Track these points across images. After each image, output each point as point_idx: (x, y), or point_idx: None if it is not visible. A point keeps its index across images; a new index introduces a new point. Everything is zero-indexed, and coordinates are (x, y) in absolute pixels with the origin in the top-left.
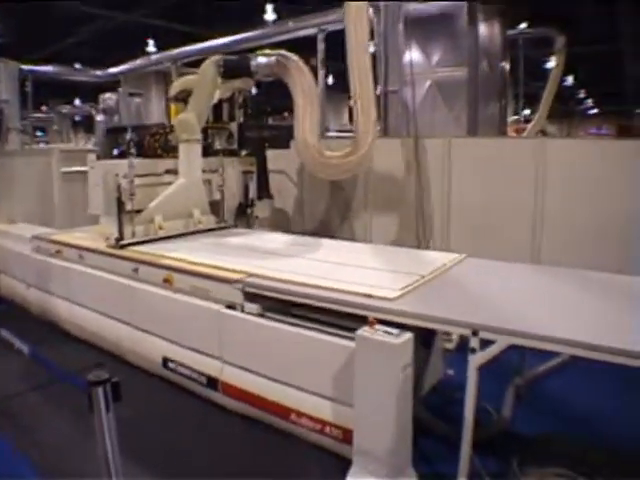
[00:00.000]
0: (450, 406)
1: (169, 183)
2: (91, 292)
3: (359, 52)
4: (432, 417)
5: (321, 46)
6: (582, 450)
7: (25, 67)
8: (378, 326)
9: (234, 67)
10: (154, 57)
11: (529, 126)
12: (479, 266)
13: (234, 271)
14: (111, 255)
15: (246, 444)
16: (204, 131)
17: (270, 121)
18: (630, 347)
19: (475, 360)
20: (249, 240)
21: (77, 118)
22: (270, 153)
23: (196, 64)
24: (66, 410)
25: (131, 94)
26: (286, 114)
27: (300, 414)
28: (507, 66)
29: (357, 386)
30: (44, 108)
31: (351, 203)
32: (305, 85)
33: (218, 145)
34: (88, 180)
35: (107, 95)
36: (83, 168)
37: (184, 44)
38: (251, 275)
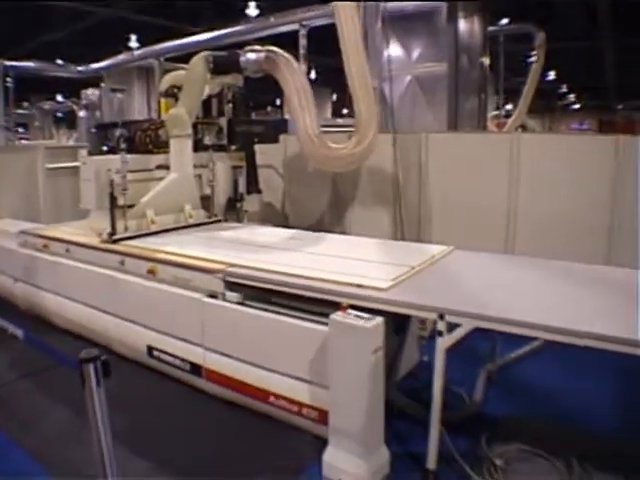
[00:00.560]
0: (425, 390)
1: (160, 178)
2: (78, 285)
3: (353, 44)
4: (406, 400)
5: (303, 41)
6: (544, 429)
7: (7, 63)
8: (350, 311)
9: (223, 63)
10: (137, 52)
11: (509, 121)
12: (465, 257)
13: (216, 261)
14: (98, 249)
15: (227, 427)
16: (194, 126)
17: (253, 116)
18: (585, 329)
19: (442, 343)
20: (239, 234)
21: (59, 114)
22: (259, 148)
23: (179, 59)
24: (58, 396)
25: (113, 90)
26: (269, 109)
27: (278, 397)
28: (487, 62)
29: (331, 368)
30: (25, 104)
31: (340, 197)
32: (297, 80)
33: (208, 140)
34: (80, 175)
35: (89, 91)
36: (68, 164)
37: (167, 39)
38: (232, 265)
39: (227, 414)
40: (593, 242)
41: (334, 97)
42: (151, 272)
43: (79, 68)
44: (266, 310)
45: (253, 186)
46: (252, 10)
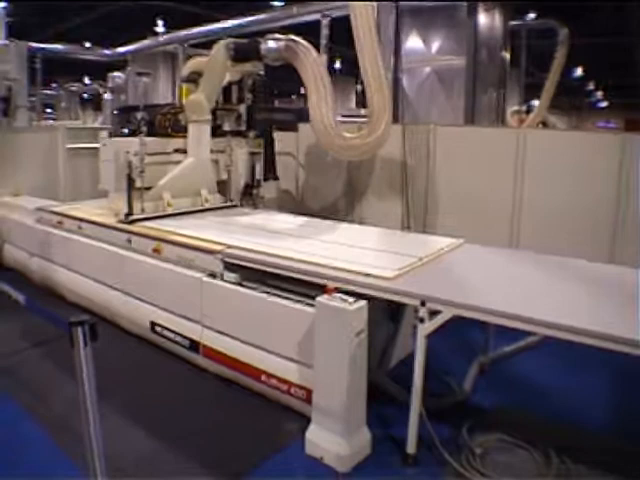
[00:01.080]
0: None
1: (178, 162)
2: (88, 261)
3: (366, 35)
4: (395, 385)
5: (325, 31)
6: (528, 421)
7: (35, 45)
8: (336, 294)
9: (244, 51)
10: (162, 38)
11: (530, 117)
12: (474, 251)
13: (215, 242)
14: (107, 226)
15: (219, 402)
16: (213, 112)
17: (277, 104)
18: (575, 324)
19: (423, 329)
20: (253, 219)
21: (85, 96)
22: (278, 135)
23: (203, 45)
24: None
25: (139, 73)
26: (293, 97)
27: (270, 375)
28: (507, 56)
29: (316, 348)
30: (53, 85)
31: (355, 185)
32: (315, 70)
33: (227, 126)
34: (100, 156)
35: (116, 74)
36: (87, 145)
37: (192, 25)
38: (230, 247)
39: (221, 391)
40: (597, 238)
41: (358, 87)
42: (156, 251)
43: (106, 51)
44: (260, 291)
45: (271, 173)
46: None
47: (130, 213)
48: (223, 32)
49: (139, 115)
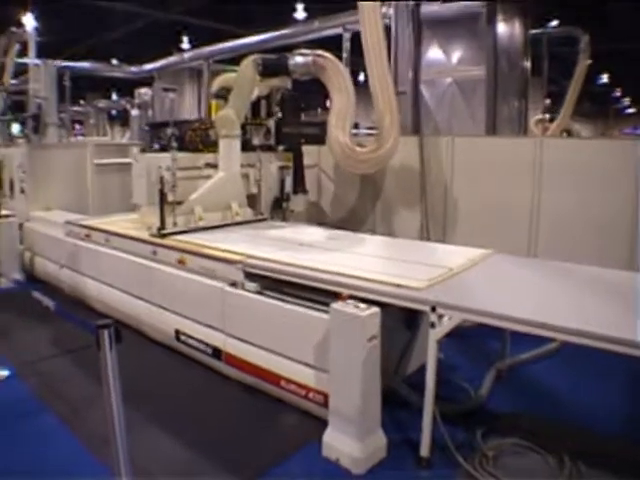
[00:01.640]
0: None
1: (208, 176)
2: (115, 272)
3: (375, 49)
4: (411, 391)
5: (346, 45)
6: (543, 426)
7: (63, 63)
8: (349, 300)
9: (272, 66)
10: (187, 55)
11: (553, 125)
12: (503, 261)
13: (236, 253)
14: (133, 239)
15: (240, 407)
16: (243, 127)
17: (303, 117)
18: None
19: (434, 334)
20: (284, 232)
21: (113, 112)
22: (306, 149)
23: (228, 62)
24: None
25: (165, 89)
26: (319, 110)
27: (288, 381)
28: (528, 65)
29: (332, 354)
30: (82, 102)
31: (382, 197)
32: (342, 84)
33: (256, 141)
34: (132, 172)
35: (143, 90)
36: (115, 161)
37: (217, 41)
38: (250, 257)
39: (242, 396)
40: (614, 245)
41: None
42: (181, 262)
43: (132, 68)
44: (279, 299)
45: (300, 186)
46: (300, 13)
47: (163, 227)
48: (247, 48)
49: (169, 131)
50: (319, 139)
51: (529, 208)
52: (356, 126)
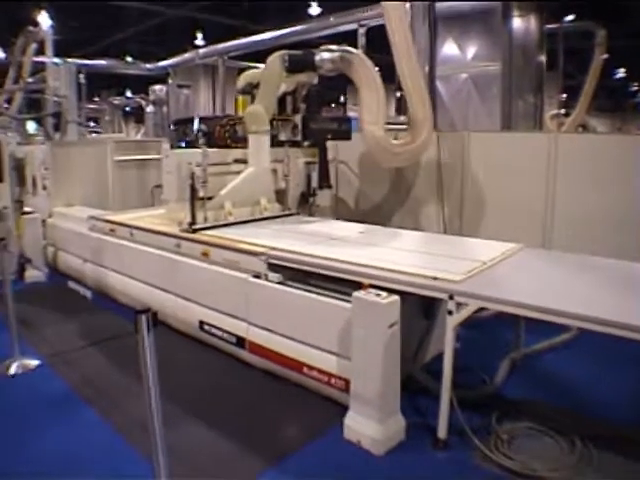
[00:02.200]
0: (453, 372)
1: (237, 172)
2: (139, 265)
3: (402, 41)
4: (430, 378)
5: (362, 40)
6: (556, 412)
7: (79, 61)
8: (371, 289)
9: (299, 61)
10: (202, 51)
11: (568, 120)
12: (533, 255)
13: (260, 245)
14: (157, 232)
15: (264, 393)
16: (270, 123)
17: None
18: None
19: (452, 320)
20: (315, 227)
21: (128, 109)
22: (331, 144)
23: (242, 58)
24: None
25: (180, 86)
26: (333, 106)
27: (311, 368)
28: (544, 60)
29: (353, 340)
30: (97, 99)
31: (410, 192)
32: (370, 79)
33: (283, 136)
34: (162, 168)
35: (157, 87)
36: (134, 157)
37: (232, 38)
38: (274, 249)
39: (265, 382)
40: (630, 239)
41: (397, 94)
42: (204, 254)
43: (147, 66)
44: (302, 289)
45: (325, 181)
46: (314, 9)
47: (194, 222)
48: (261, 44)
49: (195, 127)
50: (344, 134)
51: (543, 202)
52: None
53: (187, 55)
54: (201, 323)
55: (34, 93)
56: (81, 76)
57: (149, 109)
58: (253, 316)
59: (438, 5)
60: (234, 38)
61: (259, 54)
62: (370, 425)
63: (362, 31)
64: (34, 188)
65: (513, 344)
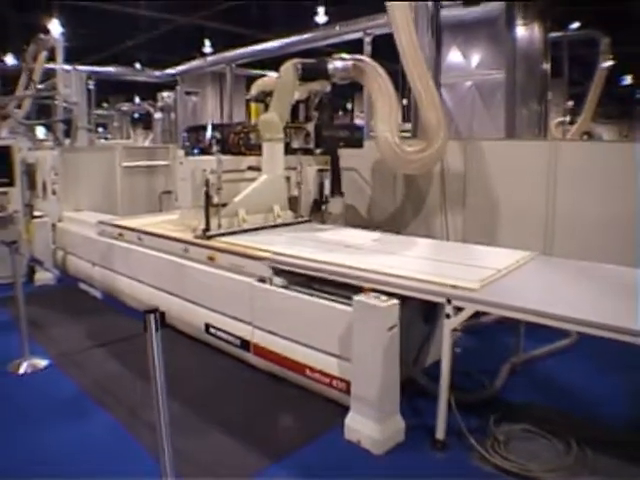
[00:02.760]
0: (454, 376)
1: (251, 179)
2: (147, 269)
3: (411, 49)
4: (429, 381)
5: (367, 49)
6: (553, 415)
7: (89, 68)
8: (372, 293)
9: (312, 70)
10: (210, 59)
11: (573, 128)
12: (546, 262)
13: (264, 250)
14: (165, 237)
15: (268, 394)
16: (284, 130)
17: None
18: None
19: (449, 324)
20: (329, 235)
21: (136, 115)
22: (343, 152)
23: (250, 65)
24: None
25: (188, 93)
26: (340, 113)
27: (313, 370)
28: (548, 68)
29: (354, 342)
30: (105, 105)
31: (424, 200)
32: (383, 87)
33: (296, 144)
34: (176, 175)
35: (165, 94)
36: (141, 163)
37: (239, 46)
38: (278, 254)
39: (269, 384)
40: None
41: (404, 101)
42: (211, 259)
43: (156, 73)
44: (305, 293)
45: (337, 189)
46: (321, 17)
47: (208, 229)
48: (268, 52)
49: (208, 134)
50: (355, 142)
51: (544, 209)
52: None
53: (195, 62)
54: (207, 326)
55: (45, 99)
56: (90, 82)
57: (157, 115)
58: (258, 319)
59: (443, 13)
60: (242, 46)
61: (266, 62)
62: (370, 425)
63: (368, 40)
64: (44, 193)
65: (513, 349)
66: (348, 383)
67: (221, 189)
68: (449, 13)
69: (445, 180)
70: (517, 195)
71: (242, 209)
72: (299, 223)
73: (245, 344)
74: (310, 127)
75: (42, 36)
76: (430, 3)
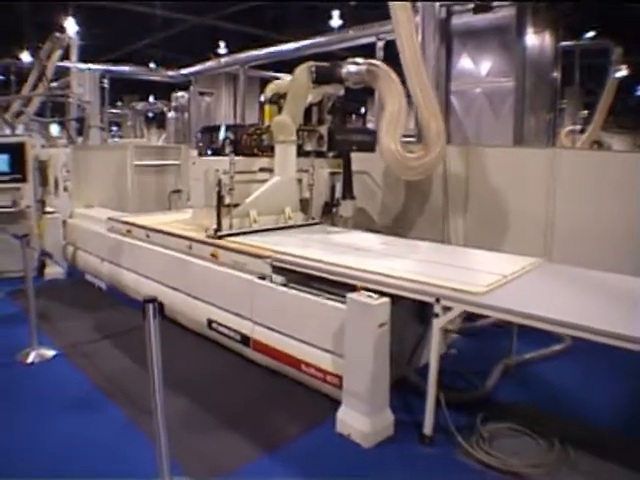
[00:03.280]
0: (445, 376)
1: (263, 180)
2: (153, 265)
3: (412, 55)
4: (421, 380)
5: (380, 54)
6: (540, 415)
7: (103, 67)
8: (364, 292)
9: (325, 73)
10: (224, 60)
11: (583, 137)
12: (549, 268)
13: (265, 249)
14: (171, 234)
15: (265, 388)
16: (296, 133)
17: None
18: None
19: (438, 323)
20: (340, 237)
21: (150, 114)
22: (355, 155)
23: (263, 67)
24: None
25: (202, 93)
26: (353, 117)
27: (309, 365)
28: (558, 77)
29: (347, 339)
30: (119, 104)
31: (430, 205)
32: (394, 91)
33: (309, 147)
34: (189, 175)
35: (179, 94)
36: (152, 162)
37: (253, 47)
38: (278, 252)
39: (267, 379)
40: (623, 253)
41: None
42: (213, 256)
43: (170, 73)
44: (303, 291)
45: (348, 192)
46: (335, 21)
47: (219, 229)
48: (282, 55)
49: (222, 135)
50: (368, 146)
51: (544, 215)
52: None
53: (209, 63)
54: (209, 321)
55: (58, 97)
56: (104, 81)
57: (171, 115)
58: (257, 315)
59: (453, 20)
60: (256, 47)
61: (280, 64)
62: (360, 419)
63: (380, 45)
64: (56, 189)
65: (506, 352)
66: (341, 378)
67: (233, 190)
68: (459, 20)
69: (448, 186)
70: (518, 201)
71: (253, 210)
72: (310, 225)
73: (245, 339)
74: (323, 130)
75: (58, 35)
76: (441, 9)
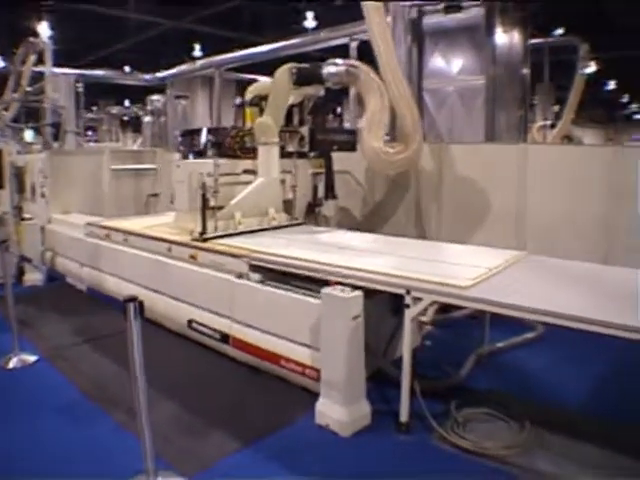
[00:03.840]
0: (420, 367)
1: (246, 182)
2: (133, 268)
3: (386, 51)
4: (396, 370)
5: (353, 54)
6: (512, 401)
7: (78, 71)
8: (338, 286)
9: (306, 75)
10: (199, 63)
11: (553, 132)
12: (535, 262)
13: (243, 248)
14: (149, 237)
15: (246, 385)
16: (278, 134)
17: None
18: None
19: (409, 313)
20: (324, 237)
21: (126, 118)
22: (336, 155)
23: (239, 70)
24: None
25: (178, 97)
26: (330, 117)
27: (288, 360)
28: (528, 73)
29: (322, 332)
30: (94, 108)
31: (412, 203)
32: (376, 92)
33: (291, 148)
34: (173, 178)
35: (155, 97)
36: (129, 166)
37: (229, 50)
38: (254, 252)
39: (248, 375)
40: (591, 242)
41: None
42: (192, 257)
43: (145, 76)
44: (280, 288)
45: (330, 192)
46: (310, 22)
47: (204, 232)
48: (257, 57)
49: (204, 137)
50: (349, 145)
51: (515, 209)
52: None
53: (184, 66)
54: (189, 321)
55: (33, 102)
56: (79, 85)
57: (147, 119)
58: (236, 313)
59: (425, 20)
60: (232, 50)
61: (255, 66)
62: (337, 409)
63: (354, 45)
64: (33, 195)
65: (478, 341)
66: (319, 371)
67: (218, 192)
68: (431, 20)
69: (421, 183)
70: (489, 196)
71: (238, 212)
72: (294, 225)
73: (224, 337)
74: (304, 131)
75: (31, 39)
76: (412, 10)
